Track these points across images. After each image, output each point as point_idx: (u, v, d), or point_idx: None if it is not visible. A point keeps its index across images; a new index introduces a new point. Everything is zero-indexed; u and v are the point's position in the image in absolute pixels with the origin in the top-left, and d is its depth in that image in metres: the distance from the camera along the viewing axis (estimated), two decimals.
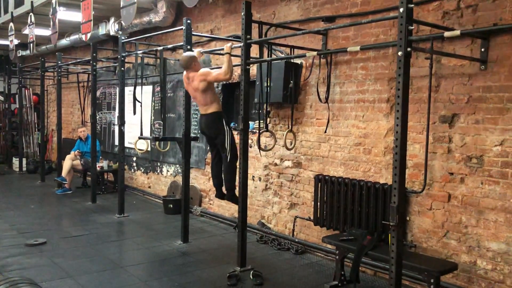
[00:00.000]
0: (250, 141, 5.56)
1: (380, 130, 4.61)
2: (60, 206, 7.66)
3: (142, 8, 7.30)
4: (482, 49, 3.77)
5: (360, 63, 4.80)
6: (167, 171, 8.04)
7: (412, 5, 3.09)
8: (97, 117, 9.14)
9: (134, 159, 9.05)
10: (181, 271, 4.65)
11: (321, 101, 4.95)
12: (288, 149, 5.20)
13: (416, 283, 4.23)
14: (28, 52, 10.11)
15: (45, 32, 9.06)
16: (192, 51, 5.38)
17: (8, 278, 3.12)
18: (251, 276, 4.43)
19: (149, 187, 8.61)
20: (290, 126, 5.16)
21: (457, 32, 3.42)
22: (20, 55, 11.70)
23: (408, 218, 4.34)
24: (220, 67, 4.84)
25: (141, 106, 6.22)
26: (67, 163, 8.64)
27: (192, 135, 5.81)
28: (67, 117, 11.58)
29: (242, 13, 4.47)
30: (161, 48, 6.14)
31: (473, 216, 3.88)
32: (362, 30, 4.74)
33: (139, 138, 6.30)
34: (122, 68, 6.83)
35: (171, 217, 6.89)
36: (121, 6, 6.44)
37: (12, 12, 9.40)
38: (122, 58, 6.73)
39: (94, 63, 7.72)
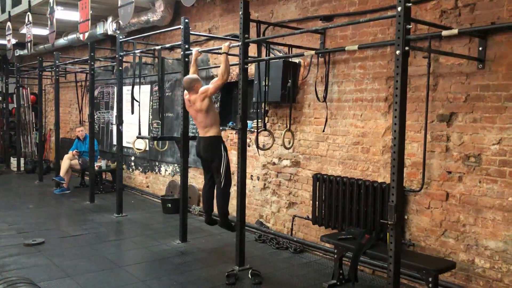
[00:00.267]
0: (248, 140, 5.56)
1: (378, 129, 4.62)
2: (58, 206, 7.65)
3: (140, 7, 7.29)
4: (480, 48, 3.78)
5: (358, 62, 4.80)
6: (165, 170, 8.04)
7: (410, 4, 3.10)
8: (95, 117, 9.12)
9: (132, 158, 9.04)
10: (180, 270, 4.65)
11: (319, 100, 4.95)
12: (286, 148, 5.21)
13: (414, 282, 4.24)
14: (25, 51, 10.10)
15: (43, 31, 9.04)
16: (190, 50, 5.38)
17: (7, 278, 3.11)
18: (249, 275, 4.44)
19: (148, 186, 8.60)
20: (288, 125, 5.16)
21: (455, 31, 3.43)
22: (17, 54, 11.67)
23: (406, 217, 4.35)
24: (218, 66, 4.84)
25: (139, 105, 6.22)
26: (65, 163, 8.63)
27: (190, 134, 5.81)
28: (65, 116, 11.56)
29: (240, 12, 4.47)
30: (159, 47, 6.13)
31: (471, 215, 3.89)
32: (360, 29, 4.74)
33: (137, 137, 6.30)
34: (120, 68, 6.82)
35: (169, 217, 6.89)
36: (118, 5, 6.42)
37: (9, 12, 9.37)
38: (120, 58, 6.72)
39: (92, 63, 7.71)
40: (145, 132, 7.93)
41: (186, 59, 5.42)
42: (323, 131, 5.07)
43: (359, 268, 4.50)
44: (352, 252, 4.07)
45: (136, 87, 6.24)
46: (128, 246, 5.55)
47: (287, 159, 5.63)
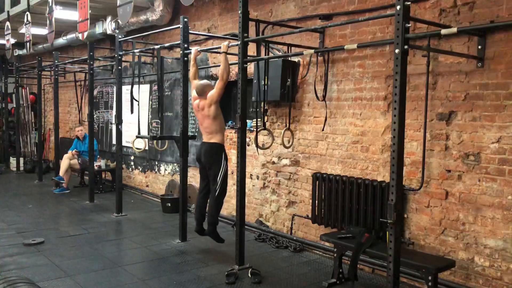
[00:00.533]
0: (247, 139, 5.56)
1: (378, 128, 4.62)
2: (57, 206, 7.65)
3: (139, 7, 7.28)
4: (479, 47, 3.78)
5: (358, 61, 4.80)
6: (165, 169, 8.04)
7: (409, 3, 3.10)
8: (95, 116, 9.11)
9: (132, 158, 9.04)
10: (180, 269, 4.65)
11: (318, 99, 4.96)
12: (286, 147, 5.20)
13: (414, 280, 4.24)
14: (24, 51, 10.09)
15: (42, 31, 9.03)
16: (189, 49, 5.38)
17: (6, 277, 3.11)
18: (249, 274, 4.44)
19: (147, 186, 8.60)
20: (287, 124, 5.16)
21: (454, 30, 3.43)
22: (16, 54, 11.66)
23: (405, 216, 4.35)
24: (218, 65, 4.84)
25: (138, 105, 6.21)
26: (64, 163, 8.62)
27: (189, 133, 5.81)
28: (64, 116, 11.56)
29: (239, 11, 4.46)
30: (158, 46, 6.13)
31: (471, 213, 3.89)
32: (359, 28, 4.74)
33: (137, 137, 6.29)
34: (119, 67, 6.81)
35: (169, 216, 6.89)
36: (117, 4, 6.41)
37: (8, 11, 9.36)
38: (119, 57, 6.72)
39: (91, 62, 7.71)
40: (144, 131, 7.93)
41: (185, 59, 5.43)
42: (323, 130, 5.07)
43: (359, 267, 4.50)
44: (352, 251, 4.07)
45: (136, 87, 6.23)
46: (127, 246, 5.55)
47: (286, 158, 5.63)
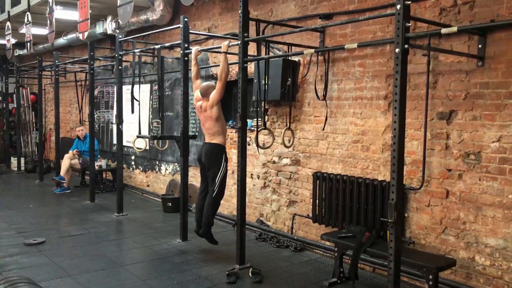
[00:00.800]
0: (248, 139, 5.56)
1: (378, 127, 4.62)
2: (58, 205, 7.66)
3: (139, 7, 7.28)
4: (479, 46, 3.77)
5: (358, 60, 4.80)
6: (166, 169, 8.04)
7: (409, 2, 3.09)
8: (95, 116, 9.12)
9: (133, 157, 9.04)
10: (180, 269, 4.65)
11: (319, 99, 4.96)
12: (286, 146, 5.20)
13: (414, 280, 4.24)
14: (25, 51, 10.09)
15: (42, 31, 9.03)
16: (190, 49, 5.38)
17: (7, 277, 3.11)
18: (250, 274, 4.44)
19: (148, 185, 8.61)
20: (288, 124, 5.16)
21: (454, 29, 3.42)
22: (17, 54, 11.68)
23: (406, 215, 4.35)
24: (218, 65, 4.84)
25: (139, 104, 6.21)
26: (65, 162, 8.63)
27: (190, 133, 5.81)
28: (65, 116, 11.56)
29: (240, 11, 4.46)
30: (158, 46, 6.13)
31: (471, 212, 3.89)
32: (359, 27, 4.73)
33: (137, 136, 6.30)
34: (120, 67, 6.82)
35: (170, 216, 6.90)
36: (118, 4, 6.41)
37: (9, 11, 9.37)
38: (120, 57, 6.72)
39: (92, 62, 7.71)
40: (145, 131, 7.93)
41: (186, 58, 5.43)
42: (323, 129, 5.07)
43: (360, 266, 4.50)
44: (353, 250, 4.07)
45: (136, 86, 6.24)
46: (128, 245, 5.55)
47: (287, 157, 5.63)
